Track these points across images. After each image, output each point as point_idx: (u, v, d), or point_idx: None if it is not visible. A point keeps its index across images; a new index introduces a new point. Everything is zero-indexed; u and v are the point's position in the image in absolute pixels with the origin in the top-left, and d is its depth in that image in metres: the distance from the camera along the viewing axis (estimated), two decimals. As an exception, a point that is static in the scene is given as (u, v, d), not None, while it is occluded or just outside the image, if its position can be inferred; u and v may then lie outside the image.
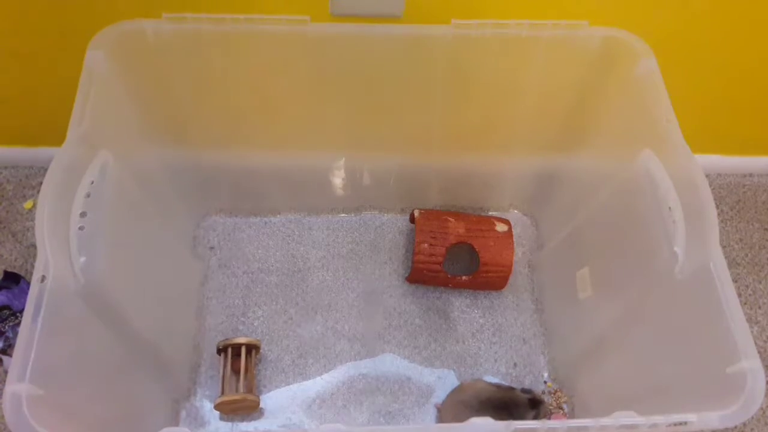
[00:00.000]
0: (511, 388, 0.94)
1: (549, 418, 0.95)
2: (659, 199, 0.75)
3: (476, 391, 0.94)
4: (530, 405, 0.89)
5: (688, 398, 0.70)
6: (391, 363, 1.02)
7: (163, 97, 0.91)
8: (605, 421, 0.58)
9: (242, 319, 1.04)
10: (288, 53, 0.87)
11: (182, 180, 1.04)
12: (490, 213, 1.18)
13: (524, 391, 0.92)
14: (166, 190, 1.01)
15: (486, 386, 0.95)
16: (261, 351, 1.01)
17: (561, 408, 0.99)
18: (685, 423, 0.58)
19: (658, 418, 0.58)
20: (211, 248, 1.11)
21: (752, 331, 1.09)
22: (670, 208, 0.73)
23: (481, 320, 1.08)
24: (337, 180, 1.13)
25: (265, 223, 1.14)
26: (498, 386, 0.96)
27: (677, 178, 0.73)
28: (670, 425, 0.59)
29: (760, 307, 1.14)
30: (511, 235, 1.06)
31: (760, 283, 1.16)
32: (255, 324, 1.04)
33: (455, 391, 0.97)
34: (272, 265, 1.10)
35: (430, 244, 1.03)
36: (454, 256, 1.13)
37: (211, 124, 0.98)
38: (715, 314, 0.66)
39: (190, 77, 0.90)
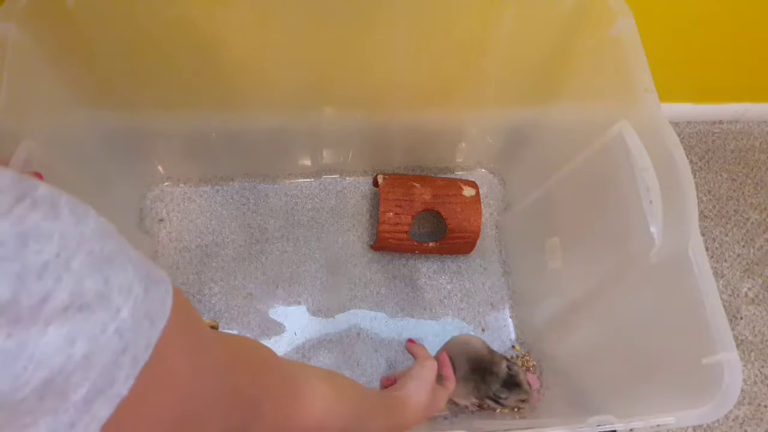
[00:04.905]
0: (502, 359, 0.90)
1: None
2: (635, 177, 0.71)
3: (468, 346, 0.91)
4: (503, 382, 0.87)
5: (661, 384, 0.69)
6: (357, 336, 0.99)
7: (92, 64, 0.81)
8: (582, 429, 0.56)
9: (198, 296, 0.99)
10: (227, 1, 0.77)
11: (123, 150, 0.95)
12: (457, 173, 1.13)
13: (510, 368, 0.88)
14: (106, 164, 0.92)
15: (480, 347, 0.92)
16: (220, 331, 0.96)
17: (533, 372, 0.98)
18: (664, 425, 0.56)
19: (637, 423, 0.56)
20: (161, 221, 1.03)
21: (718, 285, 1.09)
22: (648, 188, 0.69)
23: (448, 286, 1.05)
24: (294, 141, 1.05)
25: (218, 191, 1.07)
26: (492, 352, 0.93)
27: (656, 157, 0.69)
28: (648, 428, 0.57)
29: (725, 260, 1.13)
30: (479, 200, 1.02)
31: (726, 235, 1.15)
32: (212, 301, 0.99)
33: (455, 340, 0.95)
34: (227, 237, 1.03)
35: (396, 213, 0.98)
36: (420, 221, 1.08)
37: (149, 86, 0.88)
38: (692, 302, 0.64)
39: (121, 36, 0.79)
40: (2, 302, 0.22)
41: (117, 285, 0.25)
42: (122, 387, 0.25)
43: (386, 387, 0.89)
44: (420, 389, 0.69)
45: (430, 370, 0.73)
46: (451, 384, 0.80)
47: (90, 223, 0.25)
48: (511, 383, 0.86)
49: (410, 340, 0.84)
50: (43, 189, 0.24)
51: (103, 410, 0.25)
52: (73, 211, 0.25)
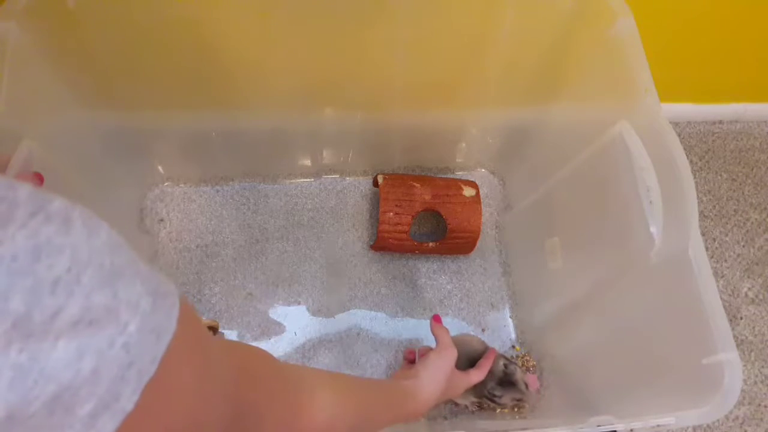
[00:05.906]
0: (501, 357, 0.89)
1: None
2: (636, 177, 0.71)
3: (467, 345, 0.91)
4: (499, 380, 0.87)
5: (661, 384, 0.69)
6: (357, 336, 0.99)
7: (92, 64, 0.81)
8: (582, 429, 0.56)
9: (198, 296, 0.99)
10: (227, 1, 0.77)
11: (123, 150, 0.95)
12: (457, 173, 1.13)
13: (506, 366, 0.87)
14: (106, 164, 0.92)
15: (479, 346, 0.92)
16: (220, 331, 0.96)
17: (533, 372, 0.98)
18: (664, 425, 0.56)
19: (637, 423, 0.56)
20: (161, 221, 1.03)
21: (718, 285, 1.09)
22: (648, 188, 0.69)
23: (448, 286, 1.05)
24: (294, 141, 1.05)
25: (217, 191, 1.07)
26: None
27: (656, 157, 0.69)
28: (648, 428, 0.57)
29: (725, 260, 1.13)
30: (479, 200, 1.02)
31: (726, 235, 1.15)
32: (212, 301, 0.99)
33: (454, 339, 0.94)
34: (227, 237, 1.03)
35: (396, 213, 0.98)
36: (420, 221, 1.08)
37: (149, 86, 0.88)
38: (692, 303, 0.64)
39: (121, 36, 0.79)
40: (17, 316, 0.22)
41: (125, 299, 0.26)
42: (127, 402, 0.25)
43: (408, 360, 0.92)
44: (433, 380, 0.70)
45: (447, 359, 0.74)
46: (478, 375, 0.83)
47: (102, 236, 0.26)
48: (506, 381, 0.86)
49: (436, 318, 0.85)
50: (57, 203, 0.24)
51: (109, 425, 0.25)
52: (85, 224, 0.25)
